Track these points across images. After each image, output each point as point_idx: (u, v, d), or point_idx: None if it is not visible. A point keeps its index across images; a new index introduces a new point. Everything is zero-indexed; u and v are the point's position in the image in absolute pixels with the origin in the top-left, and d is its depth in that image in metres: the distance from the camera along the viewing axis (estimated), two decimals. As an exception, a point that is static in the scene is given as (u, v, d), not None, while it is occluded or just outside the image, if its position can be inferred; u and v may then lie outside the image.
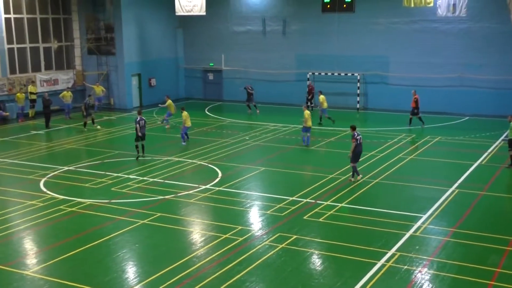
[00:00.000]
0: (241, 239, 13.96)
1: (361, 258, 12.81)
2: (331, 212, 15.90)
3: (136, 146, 22.13)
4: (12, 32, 32.15)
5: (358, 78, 33.46)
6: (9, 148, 24.35)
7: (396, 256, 12.85)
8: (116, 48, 34.85)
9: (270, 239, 13.94)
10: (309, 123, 23.82)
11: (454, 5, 28.76)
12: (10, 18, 31.97)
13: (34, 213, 16.02)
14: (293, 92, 34.63)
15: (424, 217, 15.42)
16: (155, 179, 19.31)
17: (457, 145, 24.29)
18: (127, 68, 35.02)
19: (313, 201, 16.83)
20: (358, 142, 18.67)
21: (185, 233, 14.74)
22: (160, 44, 37.38)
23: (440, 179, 19.13)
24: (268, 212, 16.02)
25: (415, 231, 14.39)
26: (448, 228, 14.71)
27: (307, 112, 23.88)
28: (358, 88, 33.56)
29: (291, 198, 17.05)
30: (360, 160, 19.51)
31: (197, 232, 14.74)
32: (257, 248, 13.44)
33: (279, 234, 14.27)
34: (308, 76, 34.46)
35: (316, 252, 13.37)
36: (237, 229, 14.60)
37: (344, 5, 33.24)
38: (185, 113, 24.92)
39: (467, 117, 30.61)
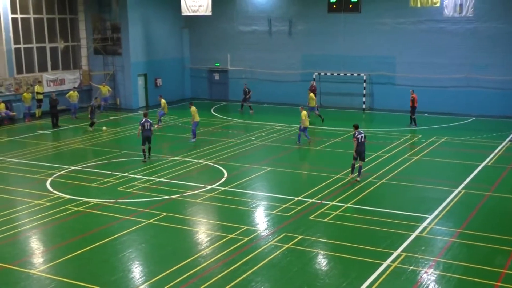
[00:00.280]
0: (246, 239, 13.97)
1: (367, 258, 12.79)
2: (337, 212, 15.88)
3: (143, 150, 21.70)
4: (19, 32, 32.28)
5: (364, 78, 33.41)
6: (16, 148, 24.45)
7: (402, 257, 12.82)
8: (122, 48, 34.93)
9: (275, 239, 13.95)
10: (307, 123, 24.23)
11: (461, 5, 28.69)
12: (17, 18, 32.10)
13: (41, 213, 16.09)
14: (299, 92, 34.56)
15: (430, 217, 15.38)
16: (161, 179, 19.35)
17: (463, 146, 24.22)
18: (133, 68, 35.10)
19: (319, 201, 16.82)
20: (360, 141, 18.68)
21: (191, 233, 14.77)
22: (166, 44, 37.44)
23: (446, 179, 19.08)
24: (273, 212, 16.02)
25: (421, 232, 14.36)
26: (454, 229, 14.67)
27: (304, 113, 24.20)
28: (364, 88, 33.51)
29: (296, 198, 17.05)
30: (365, 160, 19.48)
31: (203, 232, 14.75)
32: (262, 248, 13.45)
33: (284, 234, 14.28)
34: (314, 76, 34.42)
35: (322, 252, 13.36)
36: (242, 229, 14.61)
37: (350, 5, 33.19)
38: (193, 108, 25.13)
39: (474, 118, 30.51)
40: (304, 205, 16.44)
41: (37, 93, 31.57)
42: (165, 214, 15.85)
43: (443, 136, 25.78)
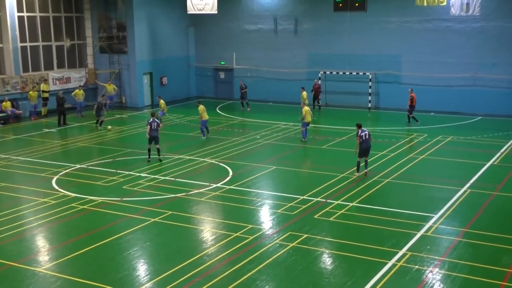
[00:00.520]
0: (251, 237, 13.97)
1: (372, 257, 12.77)
2: (342, 211, 15.87)
3: (149, 150, 21.50)
4: (25, 31, 32.38)
5: (370, 77, 33.34)
6: (22, 146, 24.53)
7: (407, 256, 12.80)
8: (128, 46, 34.98)
9: (280, 238, 13.95)
10: (309, 119, 24.58)
11: (467, 4, 28.60)
12: (23, 17, 32.20)
13: (46, 211, 16.14)
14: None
15: (436, 217, 15.35)
16: (166, 178, 19.37)
17: (469, 145, 24.14)
18: (139, 66, 35.15)
19: (324, 200, 16.80)
20: (363, 138, 18.85)
21: (195, 231, 14.78)
22: (171, 42, 37.47)
23: (452, 179, 19.03)
24: (278, 211, 16.02)
25: (427, 231, 14.33)
26: (459, 228, 14.63)
27: (306, 109, 24.61)
28: (370, 87, 33.44)
29: (301, 197, 17.03)
30: (371, 159, 19.48)
31: (208, 230, 14.77)
32: (267, 246, 13.45)
33: (289, 233, 14.27)
34: (319, 75, 34.39)
35: (327, 251, 13.36)
36: (247, 228, 14.61)
37: (356, 4, 33.24)
38: (201, 107, 25.35)
39: (480, 117, 30.41)
40: (309, 204, 16.43)
41: (43, 91, 31.64)
42: (170, 212, 15.87)
43: (448, 135, 25.70)
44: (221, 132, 27.20)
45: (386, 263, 12.42)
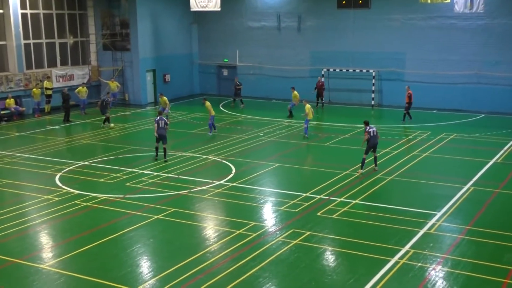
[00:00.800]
0: (254, 234, 13.98)
1: (375, 255, 12.77)
2: (345, 208, 15.86)
3: (156, 148, 21.21)
4: (28, 28, 32.41)
5: (373, 74, 33.29)
6: (25, 143, 24.58)
7: (410, 254, 12.80)
8: (131, 43, 35.00)
9: (283, 235, 13.95)
10: (311, 116, 24.93)
11: (471, 1, 28.50)
12: (26, 14, 32.23)
13: (50, 208, 16.18)
14: (308, 89, 34.46)
15: (439, 214, 15.34)
16: (169, 175, 19.39)
17: (472, 143, 24.11)
18: (142, 63, 35.16)
19: (327, 197, 16.80)
20: (372, 134, 19.02)
21: (198, 228, 14.80)
22: (174, 40, 37.47)
23: (455, 176, 19.01)
24: (281, 208, 16.02)
25: (429, 229, 14.32)
26: (462, 225, 14.61)
27: (308, 106, 24.83)
28: (373, 84, 33.40)
29: (304, 195, 17.04)
30: (377, 155, 19.62)
31: (211, 227, 14.78)
32: (270, 244, 13.46)
33: (292, 230, 14.28)
34: (322, 72, 34.36)
35: (330, 248, 13.36)
36: (250, 225, 14.63)
37: (360, 1, 33.19)
38: (208, 103, 25.52)
39: (483, 115, 30.35)
40: (312, 201, 16.43)
41: (46, 88, 31.69)
42: (173, 209, 15.89)
43: (452, 133, 25.66)
44: (224, 129, 27.20)
45: (389, 261, 12.42)
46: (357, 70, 33.86)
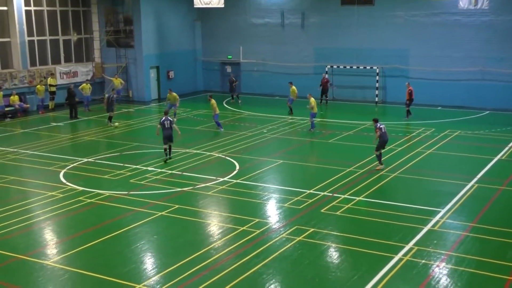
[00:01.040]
0: (258, 231, 14.00)
1: (378, 252, 12.77)
2: (349, 205, 15.86)
3: (165, 150, 20.68)
4: (32, 25, 32.45)
5: (377, 71, 33.24)
6: (29, 140, 24.64)
7: (413, 250, 12.79)
8: (134, 40, 35.02)
9: (287, 232, 13.96)
10: (316, 109, 25.31)
11: (476, -3, 28.43)
12: (30, 11, 32.27)
13: (54, 204, 16.22)
14: (311, 85, 34.40)
15: (443, 211, 15.32)
16: (173, 171, 19.42)
17: (477, 139, 24.05)
18: (146, 60, 35.19)
19: (331, 194, 16.80)
20: (383, 131, 19.06)
21: (202, 225, 14.82)
22: (178, 36, 37.47)
23: (459, 173, 18.97)
24: (285, 205, 16.03)
25: (433, 226, 14.30)
26: (466, 222, 14.59)
27: (312, 100, 25.22)
28: (377, 81, 33.34)
29: (308, 191, 17.03)
30: (383, 150, 19.65)
31: (215, 224, 14.80)
32: (274, 240, 13.47)
33: (296, 227, 14.29)
34: (326, 69, 34.32)
35: (333, 245, 13.36)
36: (254, 222, 14.64)
37: (363, -2, 33.10)
38: (213, 101, 25.55)
39: (488, 111, 30.26)
40: (316, 198, 16.43)
41: (50, 85, 31.75)
42: (177, 206, 15.92)
43: (456, 130, 25.61)
44: (228, 126, 27.20)
45: (392, 258, 12.42)
46: (361, 67, 33.79)
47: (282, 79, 36.33)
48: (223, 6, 32.56)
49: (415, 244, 13.12)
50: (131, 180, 18.45)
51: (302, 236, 13.67)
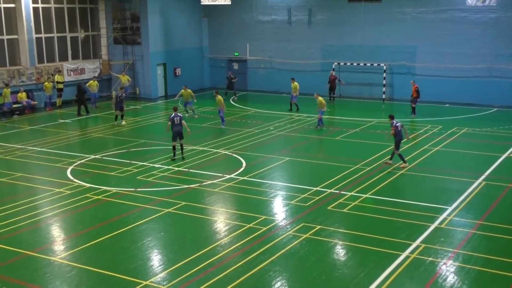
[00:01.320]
0: (265, 228, 14.00)
1: (385, 249, 12.75)
2: (355, 202, 15.83)
3: (173, 147, 20.34)
4: (40, 22, 32.55)
5: (384, 68, 33.14)
6: (37, 137, 24.74)
7: (420, 248, 12.76)
8: (141, 37, 35.06)
9: (294, 229, 13.96)
10: (324, 108, 25.65)
11: (484, -6, 28.28)
12: (38, 8, 32.36)
13: (61, 201, 16.28)
14: (318, 83, 34.38)
15: (450, 209, 15.26)
16: (180, 168, 19.44)
17: (484, 137, 23.95)
18: (153, 57, 35.22)
19: (338, 191, 16.78)
20: (399, 129, 18.99)
21: (209, 222, 14.84)
22: (185, 33, 37.49)
23: (467, 171, 18.90)
24: (292, 202, 16.02)
25: (441, 223, 14.26)
26: (474, 220, 14.54)
27: (320, 99, 25.41)
28: (384, 78, 33.24)
29: (315, 188, 17.02)
30: (385, 150, 19.44)
31: (221, 221, 14.81)
32: (281, 237, 13.47)
33: (303, 224, 14.28)
34: (333, 66, 34.25)
35: (340, 242, 13.35)
36: (261, 219, 14.64)
37: (371, -6, 33.01)
38: (219, 97, 25.64)
39: (496, 109, 30.12)
40: (322, 195, 16.41)
41: (58, 82, 31.85)
42: (184, 203, 15.94)
43: (464, 127, 25.51)
44: (235, 123, 27.20)
45: (399, 255, 12.39)
46: (368, 64, 33.71)
47: (289, 76, 36.13)
48: (230, 3, 32.54)
49: (422, 242, 13.09)
50: (138, 177, 18.49)
51: (308, 233, 13.66)
